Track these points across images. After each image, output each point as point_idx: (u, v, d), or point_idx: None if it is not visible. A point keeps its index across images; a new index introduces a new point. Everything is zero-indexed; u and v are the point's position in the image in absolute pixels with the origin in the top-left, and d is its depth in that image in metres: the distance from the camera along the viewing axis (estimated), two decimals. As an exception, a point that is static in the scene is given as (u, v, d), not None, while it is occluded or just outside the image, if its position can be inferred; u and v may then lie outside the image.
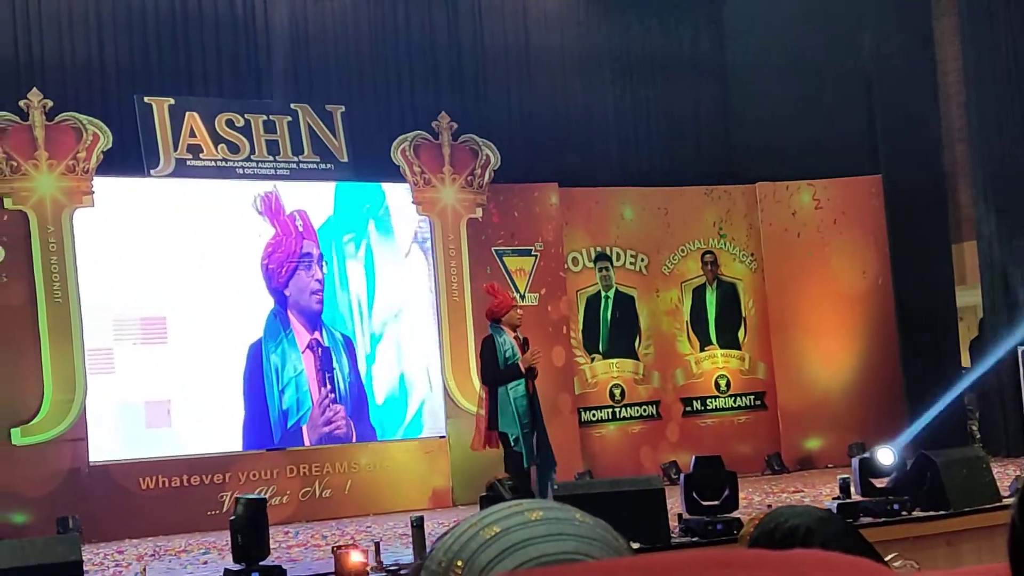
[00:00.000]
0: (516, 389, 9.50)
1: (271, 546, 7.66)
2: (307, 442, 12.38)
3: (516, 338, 9.66)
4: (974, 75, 14.27)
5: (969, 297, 14.98)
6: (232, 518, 7.50)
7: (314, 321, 12.57)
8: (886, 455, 8.85)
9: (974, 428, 14.71)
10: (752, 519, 2.53)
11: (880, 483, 8.77)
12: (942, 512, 8.56)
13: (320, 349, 12.55)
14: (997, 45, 14.00)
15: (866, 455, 9.13)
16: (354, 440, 12.64)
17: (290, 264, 12.47)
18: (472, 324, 13.10)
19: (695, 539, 8.03)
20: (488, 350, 9.67)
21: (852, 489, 8.86)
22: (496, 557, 1.03)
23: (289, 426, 12.30)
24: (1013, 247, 13.71)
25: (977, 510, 8.59)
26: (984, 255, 14.18)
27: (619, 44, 15.00)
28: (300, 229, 12.59)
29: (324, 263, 12.67)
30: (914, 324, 14.26)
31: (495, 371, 9.57)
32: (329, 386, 12.55)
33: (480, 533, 1.05)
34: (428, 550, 1.09)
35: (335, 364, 12.59)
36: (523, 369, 9.51)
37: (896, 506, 8.49)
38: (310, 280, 12.56)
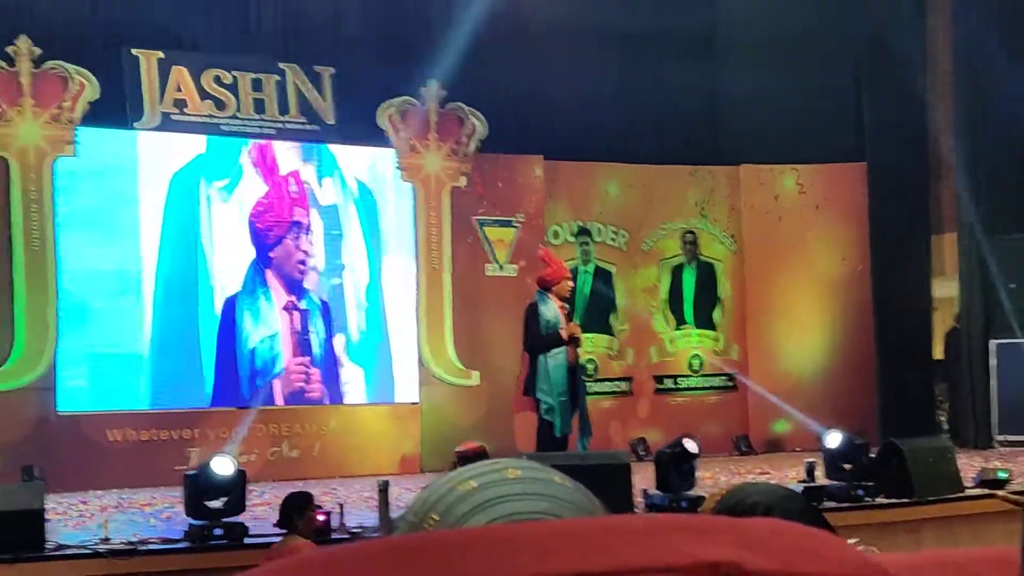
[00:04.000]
0: (556, 358, 9.57)
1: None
2: (279, 401, 12.36)
3: (563, 307, 9.73)
4: (963, 67, 14.29)
5: (947, 288, 15.03)
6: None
7: (294, 285, 12.53)
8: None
9: (942, 419, 14.79)
10: (713, 495, 2.54)
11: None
12: (906, 500, 8.62)
13: (297, 312, 12.50)
14: (987, 38, 14.00)
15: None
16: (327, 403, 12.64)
17: (279, 230, 12.41)
18: (450, 292, 13.08)
19: (659, 516, 8.08)
20: (531, 317, 9.76)
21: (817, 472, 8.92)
22: (470, 511, 1.04)
23: (259, 384, 12.26)
24: (993, 240, 13.77)
25: (941, 499, 8.66)
26: (964, 247, 14.23)
27: (610, 21, 14.92)
28: (294, 195, 12.52)
29: (311, 232, 12.60)
30: (889, 313, 14.32)
31: (536, 338, 9.64)
32: (304, 349, 12.51)
33: (457, 488, 1.06)
34: (409, 503, 1.10)
35: (311, 328, 12.55)
36: (565, 337, 9.55)
37: (860, 492, 8.54)
38: (296, 250, 12.50)
